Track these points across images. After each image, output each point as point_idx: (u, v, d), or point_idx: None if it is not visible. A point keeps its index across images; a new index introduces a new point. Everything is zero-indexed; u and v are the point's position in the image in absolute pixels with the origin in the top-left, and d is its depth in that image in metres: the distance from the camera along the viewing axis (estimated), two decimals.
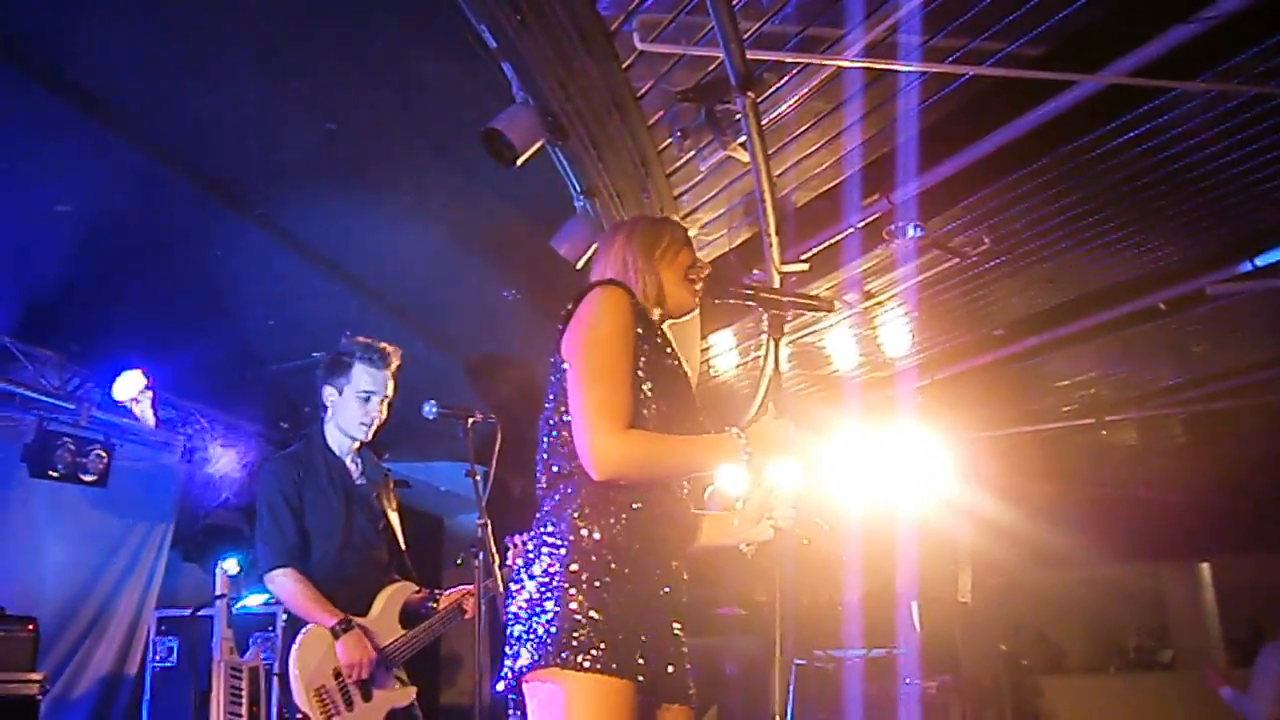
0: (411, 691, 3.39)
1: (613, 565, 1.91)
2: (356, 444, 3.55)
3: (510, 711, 1.97)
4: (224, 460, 6.11)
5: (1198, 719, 6.75)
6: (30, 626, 4.85)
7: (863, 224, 4.47)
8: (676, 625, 2.01)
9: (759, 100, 3.49)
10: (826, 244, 4.66)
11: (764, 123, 3.65)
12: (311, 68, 3.51)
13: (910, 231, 4.40)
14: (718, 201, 4.49)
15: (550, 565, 1.92)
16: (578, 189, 3.91)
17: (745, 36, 3.24)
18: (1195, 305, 5.32)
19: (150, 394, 5.30)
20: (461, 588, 3.50)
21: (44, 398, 5.28)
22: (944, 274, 5.16)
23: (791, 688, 5.72)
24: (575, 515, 1.95)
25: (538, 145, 3.42)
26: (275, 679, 3.33)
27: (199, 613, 5.17)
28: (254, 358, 5.68)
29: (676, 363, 2.13)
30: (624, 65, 3.58)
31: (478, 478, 3.22)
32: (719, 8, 2.89)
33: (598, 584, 1.89)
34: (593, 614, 1.86)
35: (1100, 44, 3.38)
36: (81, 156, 3.85)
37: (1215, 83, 3.56)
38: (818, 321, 5.76)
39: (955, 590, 7.17)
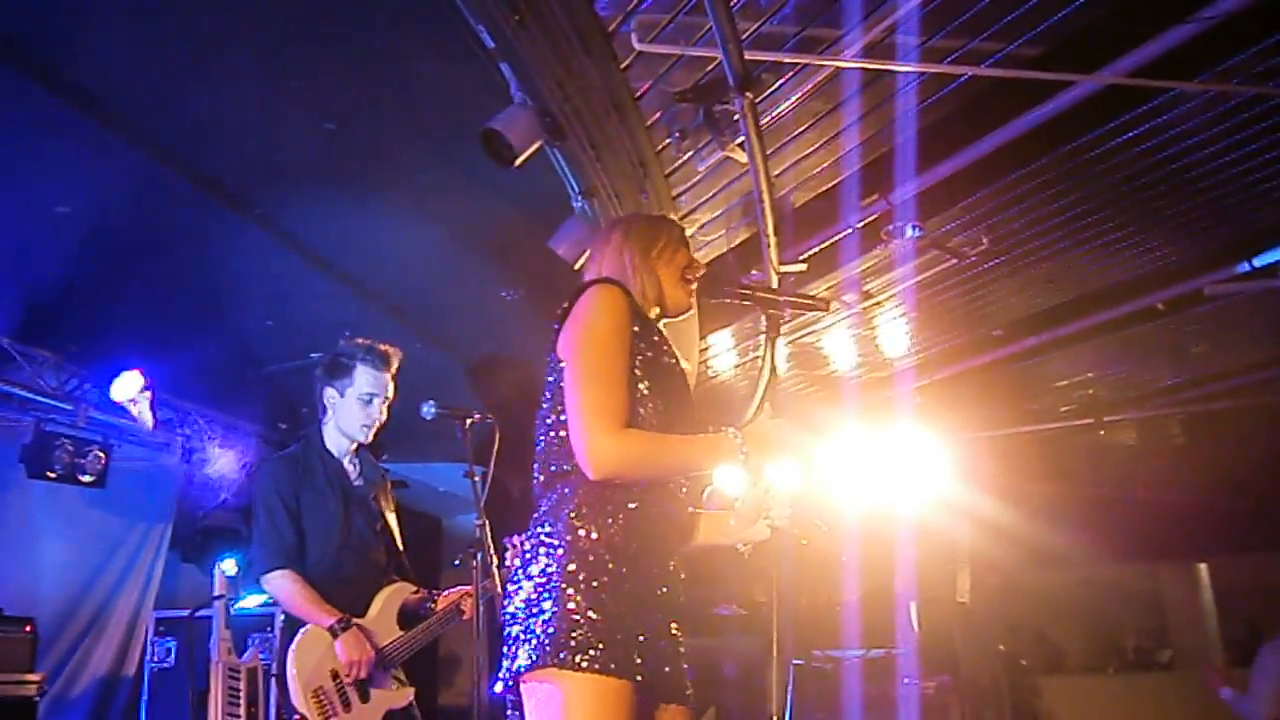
0: (409, 692, 3.38)
1: (610, 565, 1.91)
2: (354, 445, 3.55)
3: (509, 712, 1.97)
4: (222, 461, 6.11)
5: (1196, 719, 6.76)
6: (28, 627, 4.85)
7: (861, 224, 4.47)
8: (674, 625, 2.00)
9: (757, 101, 3.49)
10: (825, 244, 4.66)
11: (762, 123, 3.66)
12: (311, 68, 3.51)
13: (909, 232, 4.41)
14: (716, 202, 4.49)
15: (548, 565, 1.92)
16: (576, 189, 3.91)
17: (743, 37, 3.24)
18: (1194, 305, 5.32)
19: (149, 395, 5.30)
20: (460, 588, 3.50)
21: (42, 398, 5.28)
22: (942, 274, 5.17)
23: (790, 688, 5.73)
24: (572, 515, 1.95)
25: (536, 146, 3.42)
26: (273, 680, 3.32)
27: (197, 613, 5.17)
28: (253, 358, 5.68)
29: (673, 361, 2.12)
30: (622, 66, 3.59)
31: (476, 478, 3.21)
32: (717, 8, 2.89)
33: (595, 584, 1.88)
34: (591, 614, 1.85)
35: (1099, 44, 3.38)
36: (81, 156, 3.85)
37: (1214, 83, 3.56)
38: (816, 322, 5.76)
39: (954, 590, 7.17)
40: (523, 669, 1.87)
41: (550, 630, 1.85)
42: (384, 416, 3.50)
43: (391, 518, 3.61)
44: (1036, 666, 8.18)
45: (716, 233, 4.76)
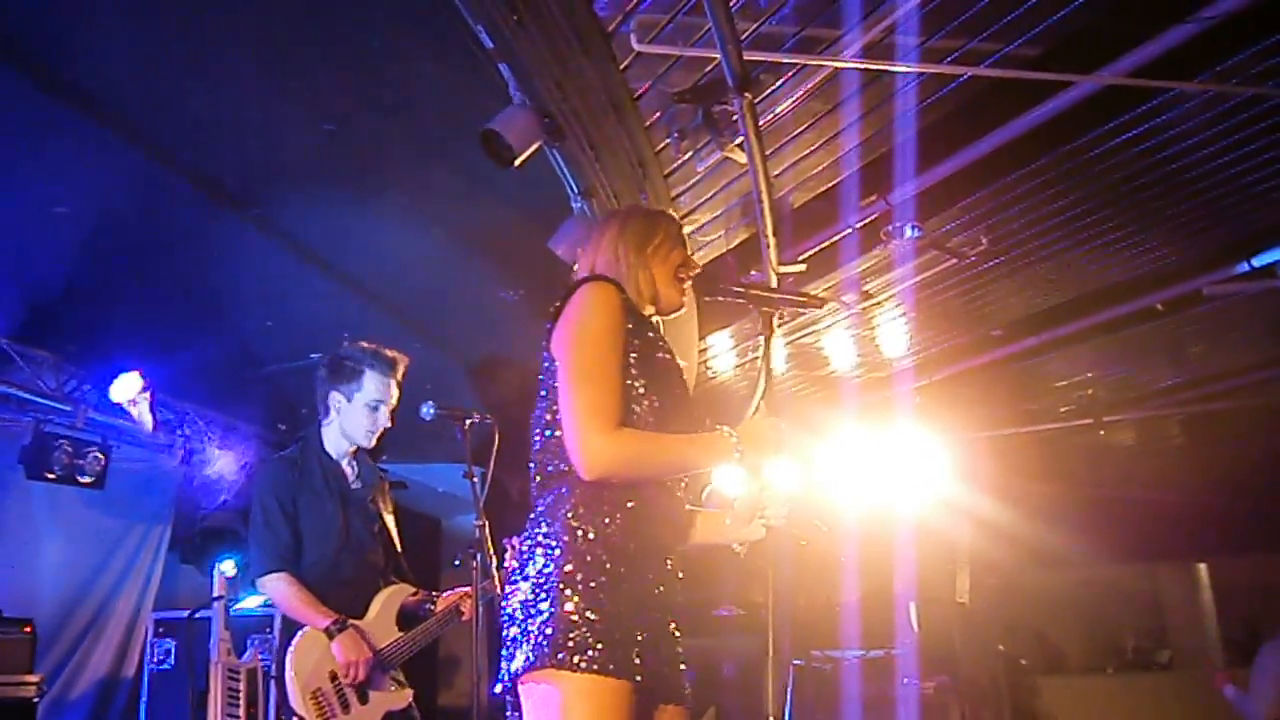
0: (408, 693, 3.38)
1: (608, 565, 1.90)
2: (354, 448, 3.54)
3: (508, 713, 1.97)
4: (222, 462, 6.11)
5: (1195, 719, 6.76)
6: (27, 628, 4.86)
7: (860, 224, 4.47)
8: (673, 624, 2.00)
9: (756, 101, 3.49)
10: (824, 245, 4.66)
11: (761, 123, 3.66)
12: (311, 68, 3.51)
13: (908, 232, 4.40)
14: (715, 202, 4.49)
15: (545, 566, 1.91)
16: (575, 190, 3.91)
17: (743, 37, 3.24)
18: (1193, 306, 5.33)
19: (148, 396, 5.30)
20: (459, 589, 3.50)
21: (41, 399, 5.28)
22: (942, 274, 5.17)
23: (789, 688, 5.73)
24: (569, 515, 1.94)
25: (535, 146, 3.42)
26: (273, 681, 3.32)
27: (196, 614, 5.18)
28: (252, 359, 5.68)
29: (669, 357, 2.10)
30: (621, 66, 3.58)
31: (475, 479, 3.21)
32: (716, 9, 2.89)
33: (593, 584, 1.88)
34: (589, 614, 1.85)
35: (1097, 44, 3.39)
36: (81, 156, 3.85)
37: (1212, 83, 3.56)
38: (815, 322, 5.77)
39: (953, 591, 7.16)
40: (521, 670, 1.86)
41: (548, 631, 1.84)
42: (389, 423, 3.49)
43: (390, 519, 3.61)
44: (1036, 667, 8.18)
45: (716, 233, 4.76)
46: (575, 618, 1.84)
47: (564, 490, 1.98)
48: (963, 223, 4.63)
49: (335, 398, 3.46)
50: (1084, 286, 5.47)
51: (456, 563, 3.40)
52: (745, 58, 3.19)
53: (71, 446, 5.36)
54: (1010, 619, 8.13)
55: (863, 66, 3.52)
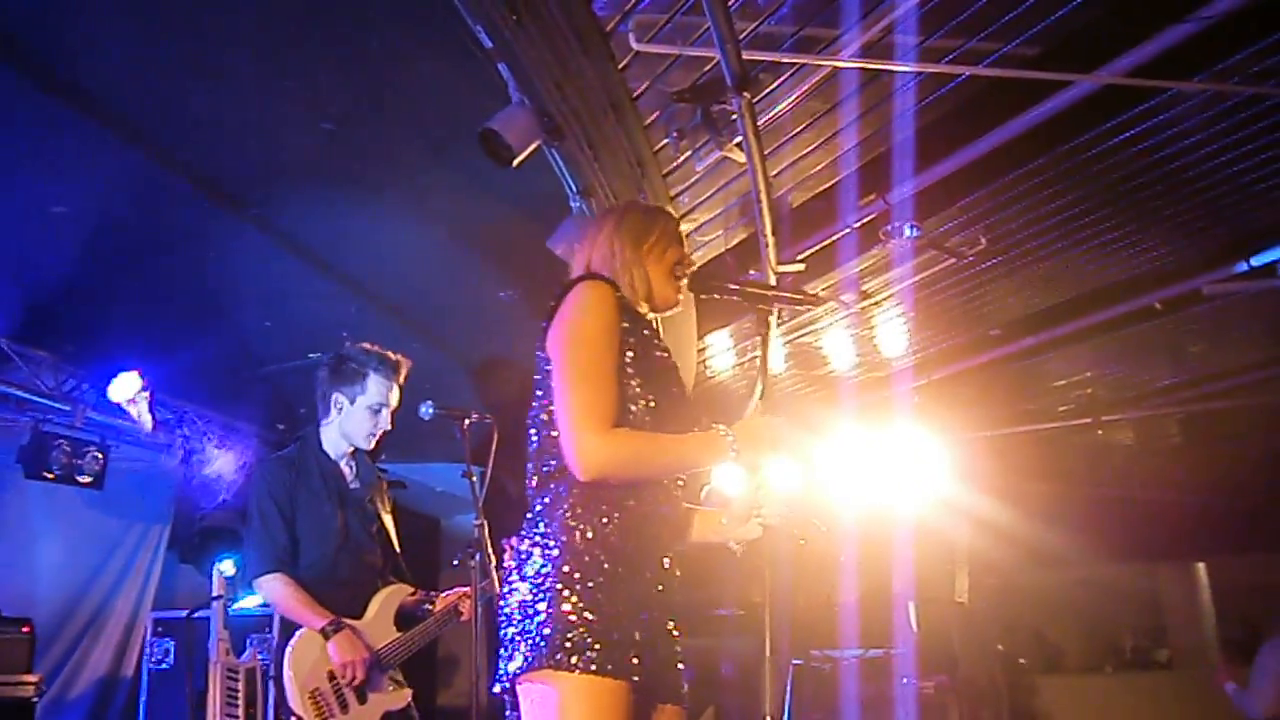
0: (407, 693, 3.37)
1: (606, 565, 1.90)
2: (353, 448, 3.53)
3: (507, 713, 1.96)
4: (221, 461, 6.11)
5: (1194, 719, 6.77)
6: (26, 628, 4.86)
7: (859, 224, 4.47)
8: (671, 624, 1.99)
9: (755, 100, 3.49)
10: (823, 244, 4.66)
11: (760, 123, 3.66)
12: (311, 68, 3.51)
13: (906, 231, 4.40)
14: (714, 202, 4.49)
15: (543, 566, 1.91)
16: (574, 189, 3.91)
17: (741, 37, 3.24)
18: (1191, 305, 5.33)
19: (147, 395, 5.30)
20: (457, 589, 3.49)
21: (39, 399, 5.28)
22: (940, 274, 5.17)
23: (789, 688, 5.73)
24: (567, 515, 1.93)
25: (534, 146, 3.42)
26: (271, 680, 3.32)
27: (195, 614, 5.18)
28: (251, 359, 5.68)
29: (665, 355, 2.09)
30: (620, 66, 3.59)
31: (474, 478, 3.21)
32: (715, 8, 2.90)
33: (591, 584, 1.87)
34: (587, 615, 1.84)
35: (1096, 44, 3.39)
36: (80, 156, 3.85)
37: (1211, 83, 3.57)
38: (814, 321, 5.78)
39: (952, 590, 7.18)
40: (519, 670, 1.86)
41: (546, 631, 1.84)
42: (389, 425, 3.49)
43: (388, 519, 3.60)
44: (1034, 666, 8.19)
45: (714, 233, 4.76)
46: (573, 618, 1.84)
47: (561, 490, 1.98)
48: (961, 222, 4.64)
49: (338, 399, 3.44)
50: (1083, 286, 5.48)
51: (455, 563, 3.39)
52: (744, 57, 3.19)
53: (70, 446, 5.36)
54: (1009, 618, 8.14)
55: (861, 66, 3.53)
